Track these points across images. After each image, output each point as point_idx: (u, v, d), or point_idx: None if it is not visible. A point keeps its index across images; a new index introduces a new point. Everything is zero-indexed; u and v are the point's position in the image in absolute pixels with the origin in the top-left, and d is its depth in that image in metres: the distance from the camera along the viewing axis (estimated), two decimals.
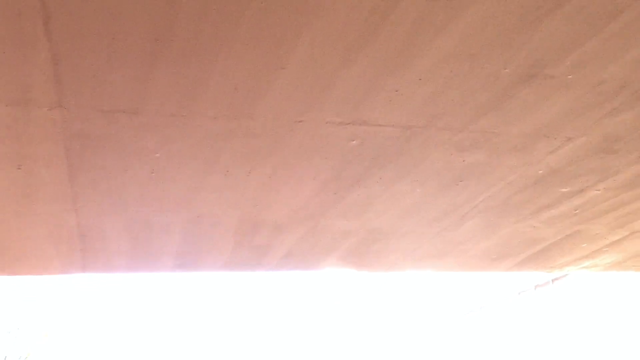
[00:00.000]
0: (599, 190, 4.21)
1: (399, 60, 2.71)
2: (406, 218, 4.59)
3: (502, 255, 5.67)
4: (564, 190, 4.19)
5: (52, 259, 4.98)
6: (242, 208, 4.19)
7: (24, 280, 22.04)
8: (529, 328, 23.46)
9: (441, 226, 4.82)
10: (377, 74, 2.78)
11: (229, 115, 3.00)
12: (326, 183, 3.85)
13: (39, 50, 2.55)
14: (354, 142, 3.34)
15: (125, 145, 3.23)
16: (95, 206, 3.97)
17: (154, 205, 4.04)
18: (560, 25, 2.59)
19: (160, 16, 2.38)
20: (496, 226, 4.88)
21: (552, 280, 25.51)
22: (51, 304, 23.21)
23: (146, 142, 3.21)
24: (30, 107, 2.80)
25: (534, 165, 3.80)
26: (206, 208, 4.15)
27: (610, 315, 19.44)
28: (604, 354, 19.13)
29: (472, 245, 5.35)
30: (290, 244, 5.01)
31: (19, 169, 3.34)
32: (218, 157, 3.43)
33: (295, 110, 3.00)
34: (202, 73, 2.69)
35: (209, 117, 3.00)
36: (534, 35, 2.65)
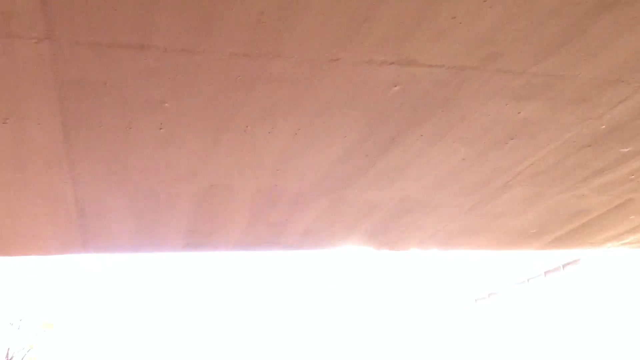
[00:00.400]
0: None
1: None
2: (442, 187, 4.11)
3: (540, 231, 5.19)
4: (624, 150, 3.70)
5: (49, 237, 4.50)
6: (260, 176, 3.70)
7: (26, 272, 21.65)
8: (539, 314, 23.03)
9: (479, 197, 4.34)
10: None
11: (251, 52, 2.51)
12: (358, 143, 3.36)
13: None
14: (396, 88, 2.85)
15: (129, 94, 2.74)
16: (95, 174, 3.48)
17: (162, 174, 3.56)
18: None
19: None
20: (540, 196, 4.39)
21: (563, 266, 25.10)
22: (54, 295, 22.84)
23: (153, 89, 2.72)
24: (14, 39, 2.31)
25: (597, 119, 3.31)
26: (220, 177, 3.67)
27: (622, 301, 18.99)
28: (614, 340, 18.74)
29: (508, 220, 4.87)
30: (311, 219, 4.53)
31: (5, 123, 2.85)
32: (236, 110, 2.94)
33: (330, 44, 2.51)
34: None
35: (228, 55, 2.50)
36: None
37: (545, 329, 22.95)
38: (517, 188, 4.19)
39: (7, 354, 21.21)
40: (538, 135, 3.43)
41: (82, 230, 4.36)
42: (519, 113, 3.18)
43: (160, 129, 3.04)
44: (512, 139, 3.46)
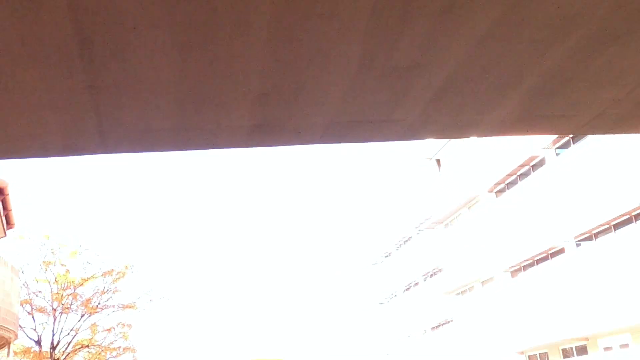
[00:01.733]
0: None
1: None
2: None
3: None
4: None
5: (44, 119, 2.84)
6: None
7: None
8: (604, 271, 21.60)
9: None
10: None
11: None
12: None
13: None
14: None
15: None
16: None
17: None
18: None
19: None
20: None
21: (594, 235, 23.47)
22: (96, 283, 21.77)
23: None
24: None
25: None
26: None
27: None
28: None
29: None
30: (459, 59, 2.77)
31: None
32: None
33: None
34: None
35: None
36: None
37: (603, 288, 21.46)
38: None
39: (52, 340, 20.22)
40: None
41: (94, 100, 2.71)
42: None
43: None
44: None
